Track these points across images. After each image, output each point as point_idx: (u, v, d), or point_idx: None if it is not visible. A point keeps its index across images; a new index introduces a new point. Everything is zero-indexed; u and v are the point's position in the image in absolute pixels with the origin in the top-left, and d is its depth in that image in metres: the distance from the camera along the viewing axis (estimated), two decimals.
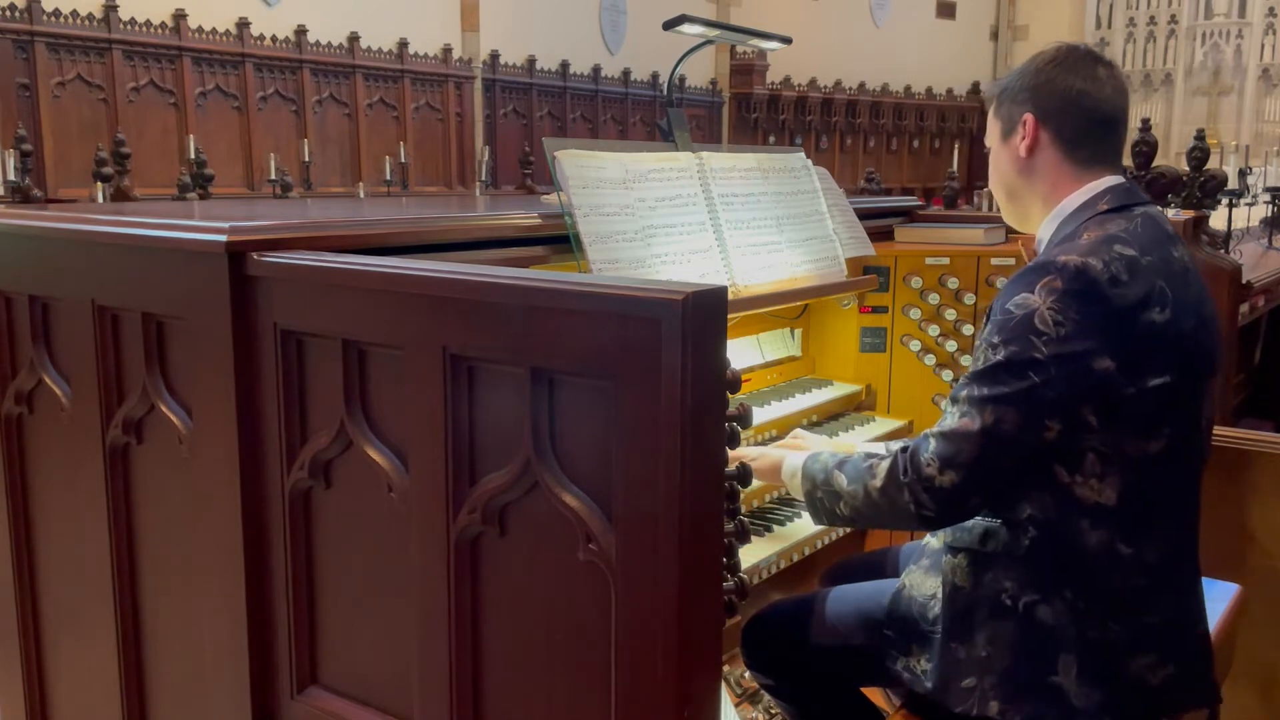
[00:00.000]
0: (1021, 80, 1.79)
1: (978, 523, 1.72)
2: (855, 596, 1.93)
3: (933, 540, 1.85)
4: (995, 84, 1.88)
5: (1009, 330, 1.58)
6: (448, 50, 10.63)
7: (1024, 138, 1.77)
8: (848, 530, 2.30)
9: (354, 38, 9.76)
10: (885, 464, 1.68)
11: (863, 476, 1.71)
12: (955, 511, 1.64)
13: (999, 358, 1.59)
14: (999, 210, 1.96)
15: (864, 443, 2.25)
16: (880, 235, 2.90)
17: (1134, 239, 1.63)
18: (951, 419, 1.62)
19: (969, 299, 2.75)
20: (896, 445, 1.75)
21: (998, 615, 1.67)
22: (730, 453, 2.02)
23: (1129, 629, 1.65)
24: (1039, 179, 1.78)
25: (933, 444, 1.62)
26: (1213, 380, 1.70)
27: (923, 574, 1.82)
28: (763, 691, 2.37)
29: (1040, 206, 1.80)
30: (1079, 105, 1.74)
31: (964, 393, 1.62)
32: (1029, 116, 1.76)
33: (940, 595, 1.76)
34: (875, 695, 2.47)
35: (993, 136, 1.86)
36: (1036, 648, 1.65)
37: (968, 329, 2.75)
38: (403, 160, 9.48)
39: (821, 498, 1.79)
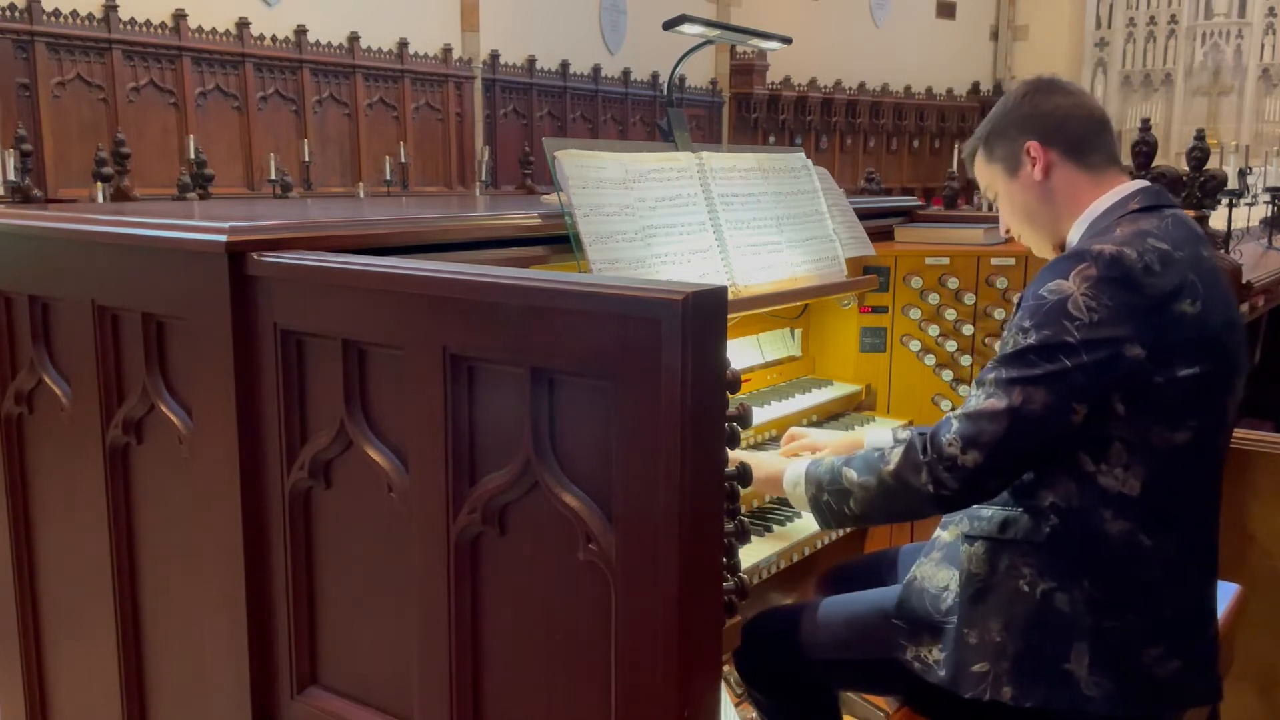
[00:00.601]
0: (1006, 119, 1.84)
1: (996, 511, 1.73)
2: (851, 606, 1.92)
3: (943, 534, 1.85)
4: (972, 140, 1.93)
5: (1041, 315, 1.60)
6: (448, 50, 10.63)
7: (1035, 162, 1.80)
8: (848, 530, 2.30)
9: (354, 38, 9.76)
10: (899, 448, 1.68)
11: (874, 465, 1.71)
12: (974, 492, 1.64)
13: (1030, 341, 1.60)
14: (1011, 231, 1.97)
15: (872, 432, 2.24)
16: (880, 235, 2.90)
17: (1166, 235, 1.66)
18: (977, 400, 1.63)
19: (969, 299, 2.74)
20: (905, 434, 1.75)
21: (1014, 601, 1.67)
22: (730, 454, 2.02)
23: (1144, 620, 1.66)
24: (1058, 196, 1.82)
25: (955, 424, 1.63)
26: (1238, 378, 1.72)
27: (934, 566, 1.82)
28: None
29: (1065, 219, 1.82)
30: (1074, 116, 1.80)
31: (991, 375, 1.63)
32: (1032, 143, 1.80)
33: (953, 586, 1.76)
34: (877, 697, 2.47)
35: (997, 181, 1.89)
36: (1052, 634, 1.66)
37: (968, 329, 2.75)
38: (403, 160, 9.48)
39: (828, 500, 1.79)
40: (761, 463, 1.98)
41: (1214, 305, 1.65)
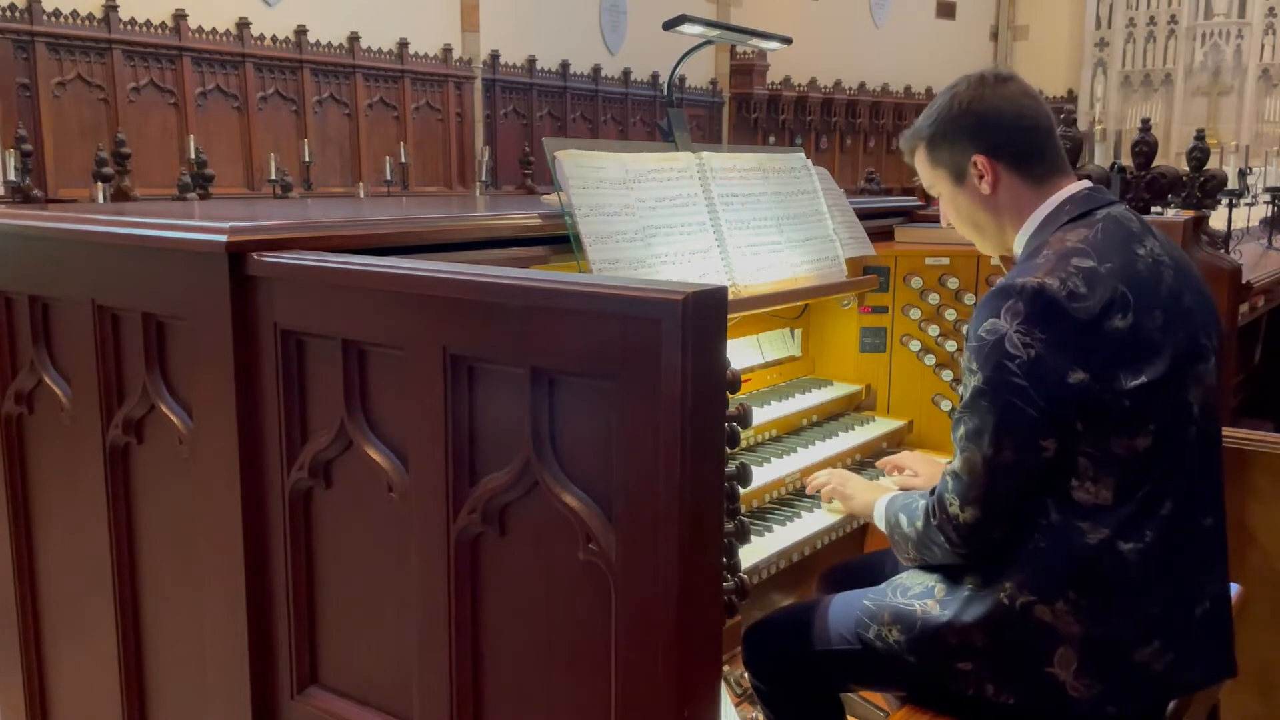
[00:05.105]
0: (950, 126, 1.82)
1: None
2: (848, 600, 1.94)
3: None
4: (910, 134, 1.91)
5: (983, 356, 1.65)
6: (448, 50, 10.62)
7: (983, 176, 1.81)
8: (848, 530, 2.30)
9: (354, 38, 9.76)
10: (923, 505, 1.76)
11: (913, 518, 1.79)
12: (982, 545, 1.70)
13: (979, 384, 1.66)
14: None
15: None
16: (880, 235, 2.90)
17: (1094, 248, 1.67)
18: (957, 456, 1.70)
19: (969, 299, 2.74)
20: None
21: (995, 611, 1.69)
22: (825, 481, 2.21)
23: (1132, 621, 1.67)
24: (1003, 207, 1.84)
25: (950, 482, 1.70)
26: (1200, 366, 1.72)
27: (917, 569, 1.85)
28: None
29: (1010, 230, 1.86)
30: (1019, 127, 1.80)
31: (960, 430, 1.69)
32: (979, 157, 1.80)
33: (927, 582, 1.79)
34: (877, 697, 2.47)
35: (941, 184, 1.90)
36: (1033, 641, 1.68)
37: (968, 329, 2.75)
38: (403, 160, 9.48)
39: (898, 541, 1.86)
40: (860, 492, 2.12)
41: (1151, 308, 1.65)
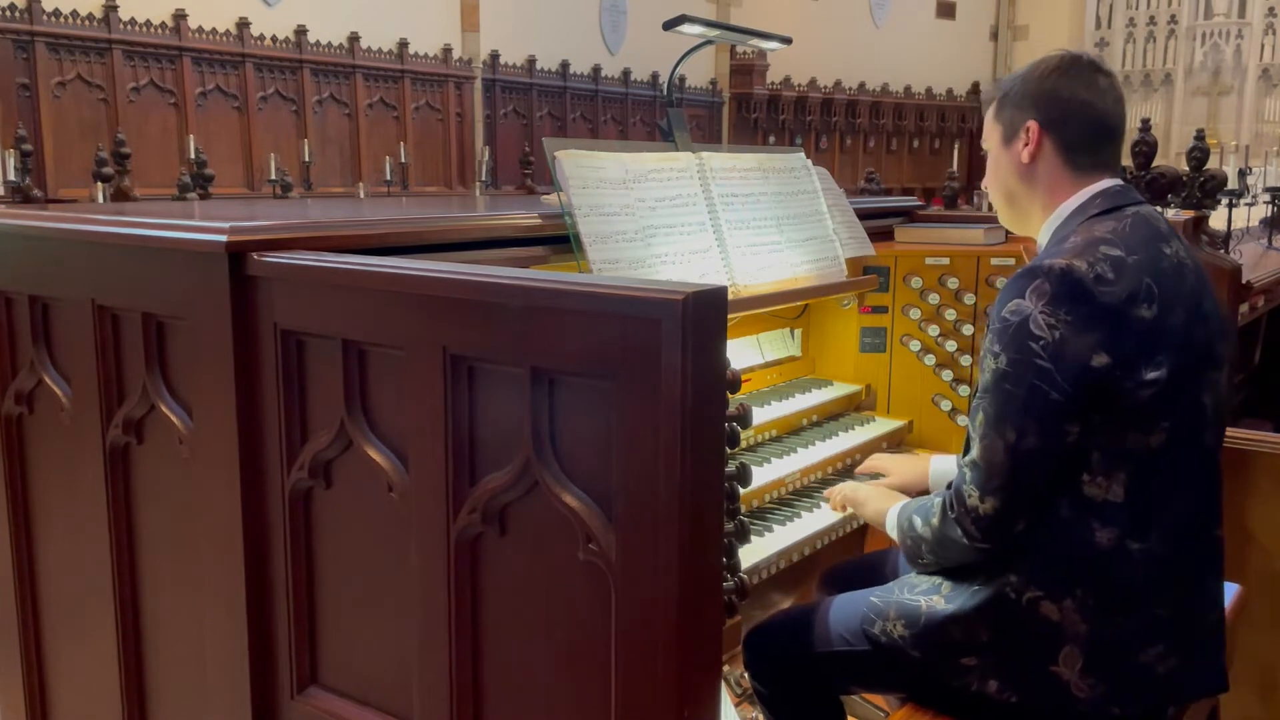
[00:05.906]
0: (1025, 86, 1.82)
1: None
2: (851, 600, 1.94)
3: None
4: (995, 86, 1.91)
5: (1007, 338, 1.62)
6: (448, 50, 10.63)
7: (1027, 144, 1.80)
8: (848, 531, 2.31)
9: (354, 38, 9.76)
10: (939, 501, 1.72)
11: (928, 517, 1.75)
12: (1003, 537, 1.66)
13: (1002, 366, 1.62)
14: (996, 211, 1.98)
15: (936, 461, 2.28)
16: (880, 235, 2.90)
17: (1121, 239, 1.66)
18: (976, 445, 1.66)
19: (969, 299, 2.74)
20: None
21: (1001, 606, 1.68)
22: (845, 491, 2.16)
23: (1138, 622, 1.66)
24: (1039, 184, 1.82)
25: (968, 473, 1.66)
26: (1214, 372, 1.71)
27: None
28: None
29: (1039, 211, 1.84)
30: (1083, 114, 1.78)
31: (979, 416, 1.65)
32: (1033, 124, 1.79)
33: (935, 579, 1.78)
34: (877, 698, 2.47)
35: (992, 140, 1.89)
36: (1038, 639, 1.67)
37: (968, 329, 2.75)
38: (403, 160, 9.48)
39: (911, 545, 1.82)
40: (872, 500, 2.07)
41: (1174, 304, 1.65)
